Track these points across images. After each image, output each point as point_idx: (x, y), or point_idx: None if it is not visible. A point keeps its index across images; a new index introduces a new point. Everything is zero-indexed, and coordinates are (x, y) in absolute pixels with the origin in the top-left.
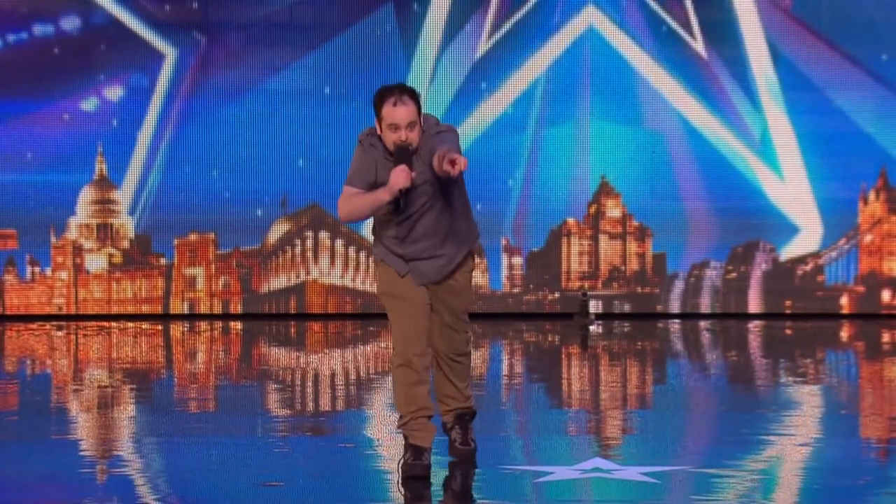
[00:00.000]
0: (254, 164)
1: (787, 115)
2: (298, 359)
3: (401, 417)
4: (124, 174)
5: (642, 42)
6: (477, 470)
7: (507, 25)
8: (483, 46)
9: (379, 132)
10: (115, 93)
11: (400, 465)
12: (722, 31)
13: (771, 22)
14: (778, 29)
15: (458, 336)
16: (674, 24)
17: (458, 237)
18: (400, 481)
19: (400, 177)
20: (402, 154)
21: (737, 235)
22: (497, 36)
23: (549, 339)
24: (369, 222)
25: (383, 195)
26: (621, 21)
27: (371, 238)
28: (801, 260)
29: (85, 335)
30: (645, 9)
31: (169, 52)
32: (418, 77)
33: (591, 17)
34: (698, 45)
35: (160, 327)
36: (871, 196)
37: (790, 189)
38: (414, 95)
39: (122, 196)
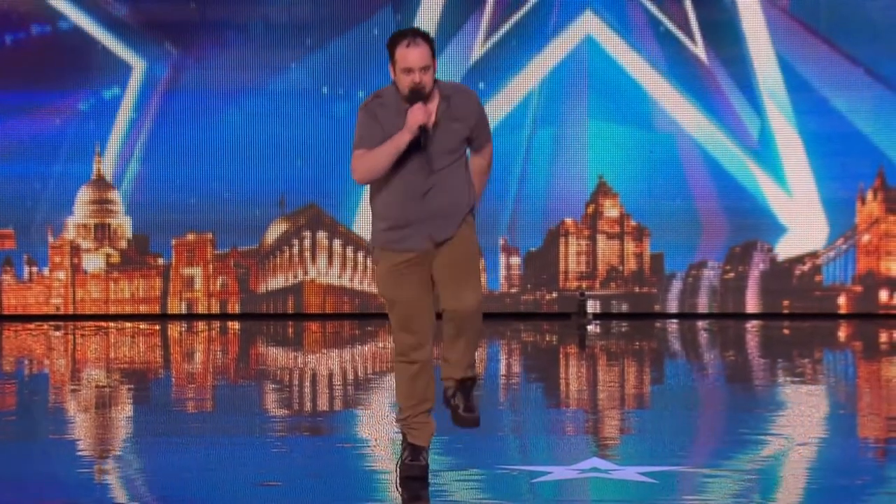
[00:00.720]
0: (252, 164)
1: (784, 115)
2: (296, 359)
3: (400, 410)
4: (122, 174)
5: (640, 43)
6: (474, 470)
7: (506, 26)
8: (480, 49)
9: (393, 76)
10: (113, 93)
11: (398, 465)
12: (720, 31)
13: (769, 22)
14: (776, 29)
15: (470, 294)
16: (671, 26)
17: (468, 194)
18: (398, 481)
19: (418, 114)
20: (416, 96)
21: (735, 235)
22: (494, 39)
23: (547, 338)
24: (365, 222)
25: (402, 136)
26: (619, 22)
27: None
28: (799, 260)
29: (83, 335)
30: (642, 10)
31: (168, 53)
32: None
33: (588, 20)
34: (697, 46)
35: (158, 327)
36: (869, 196)
37: (788, 189)
38: (428, 38)
39: (120, 196)
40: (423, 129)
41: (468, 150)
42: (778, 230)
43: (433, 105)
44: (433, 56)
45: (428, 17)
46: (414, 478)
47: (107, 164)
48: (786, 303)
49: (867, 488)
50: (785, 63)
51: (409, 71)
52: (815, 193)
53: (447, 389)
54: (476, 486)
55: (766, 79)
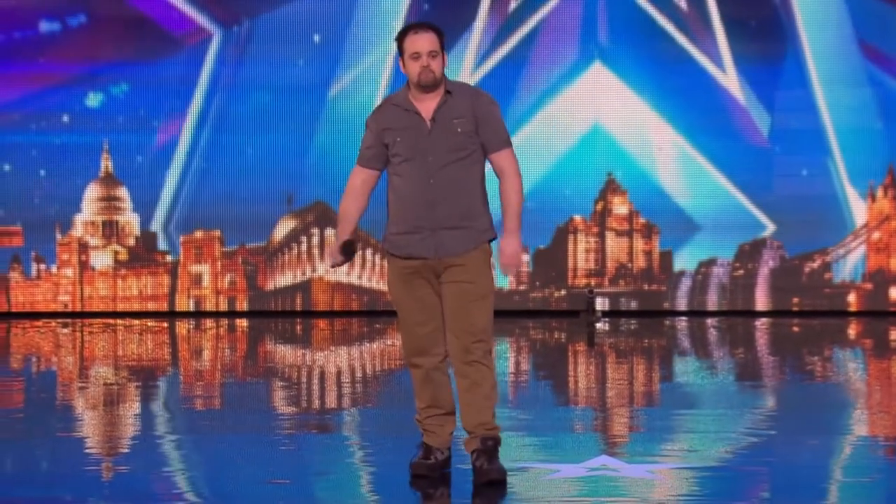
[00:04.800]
0: (259, 161)
1: (794, 111)
2: (304, 356)
3: (417, 410)
4: (130, 171)
5: (650, 34)
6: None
7: (526, 27)
8: (492, 46)
9: (403, 69)
10: (120, 89)
11: (410, 463)
12: (735, 26)
13: (783, 18)
14: (787, 25)
15: (464, 338)
16: (678, 21)
17: (482, 213)
18: (410, 480)
19: (330, 259)
20: (347, 249)
21: (744, 232)
22: (508, 43)
23: (556, 336)
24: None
25: (338, 237)
26: (626, 24)
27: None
28: (809, 257)
29: (90, 332)
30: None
31: (174, 50)
32: None
33: (595, 25)
34: (712, 39)
35: (166, 325)
36: (879, 193)
37: (798, 185)
38: (435, 28)
39: (128, 193)
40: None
41: (487, 159)
42: (787, 227)
43: (435, 102)
44: (442, 47)
45: (440, 12)
46: (422, 476)
47: (115, 162)
48: (795, 300)
49: (880, 486)
50: (795, 60)
51: (416, 56)
52: (825, 190)
53: (472, 453)
54: (485, 484)
55: (775, 75)
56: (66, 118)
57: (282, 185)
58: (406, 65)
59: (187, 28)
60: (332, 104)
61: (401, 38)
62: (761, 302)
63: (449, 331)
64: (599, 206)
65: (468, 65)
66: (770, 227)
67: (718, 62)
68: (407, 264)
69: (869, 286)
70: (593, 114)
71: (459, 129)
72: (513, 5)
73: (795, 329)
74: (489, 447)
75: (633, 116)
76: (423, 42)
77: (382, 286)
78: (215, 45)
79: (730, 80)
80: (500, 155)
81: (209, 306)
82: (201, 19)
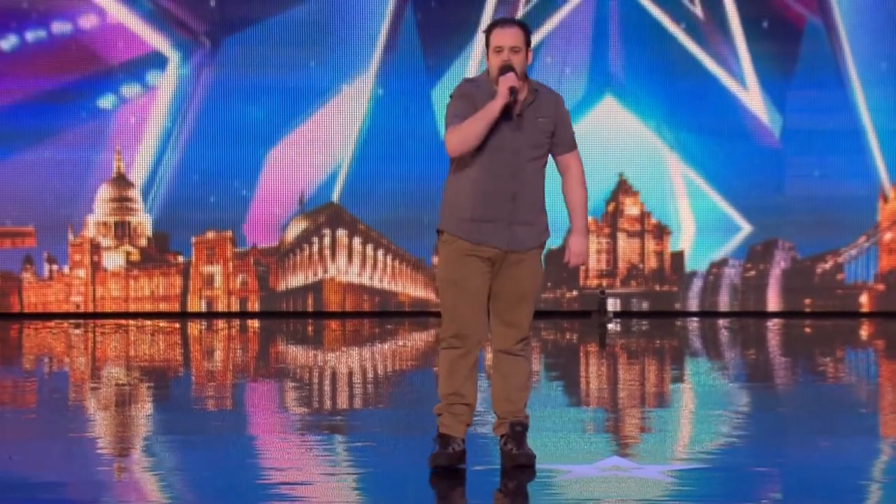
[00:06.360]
0: (271, 162)
1: (806, 111)
2: (316, 357)
3: (439, 403)
4: (142, 172)
5: (664, 26)
6: (494, 467)
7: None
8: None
9: (488, 62)
10: (133, 91)
11: (429, 457)
12: (749, 26)
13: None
14: (798, 26)
15: (513, 332)
16: (702, 20)
17: (544, 213)
18: (430, 473)
19: (508, 78)
20: (506, 71)
21: (756, 233)
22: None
23: (568, 337)
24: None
25: (494, 104)
26: (639, 22)
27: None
28: (821, 258)
29: (102, 333)
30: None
31: (188, 51)
32: (440, 70)
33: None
34: (728, 42)
35: (178, 325)
36: (892, 194)
37: (810, 186)
38: (522, 25)
39: (140, 194)
40: (513, 92)
41: (551, 156)
42: (800, 228)
43: (522, 94)
44: (527, 43)
45: (450, 15)
46: (441, 468)
47: (127, 163)
48: (807, 301)
49: (891, 488)
50: (808, 60)
51: (499, 50)
52: (836, 191)
53: (501, 438)
54: (495, 484)
55: (787, 76)
56: (78, 120)
57: (294, 185)
58: (490, 58)
59: (201, 29)
60: (345, 104)
61: (488, 31)
62: (773, 303)
63: (499, 321)
64: (611, 207)
65: (473, 68)
66: (782, 228)
67: (733, 66)
68: (475, 249)
69: (881, 287)
70: (606, 122)
71: (543, 129)
72: (521, 11)
73: (807, 330)
74: (518, 432)
75: (646, 121)
76: (507, 37)
77: (394, 287)
78: (226, 46)
79: (751, 92)
80: (572, 154)
81: (221, 307)
82: (210, 24)
